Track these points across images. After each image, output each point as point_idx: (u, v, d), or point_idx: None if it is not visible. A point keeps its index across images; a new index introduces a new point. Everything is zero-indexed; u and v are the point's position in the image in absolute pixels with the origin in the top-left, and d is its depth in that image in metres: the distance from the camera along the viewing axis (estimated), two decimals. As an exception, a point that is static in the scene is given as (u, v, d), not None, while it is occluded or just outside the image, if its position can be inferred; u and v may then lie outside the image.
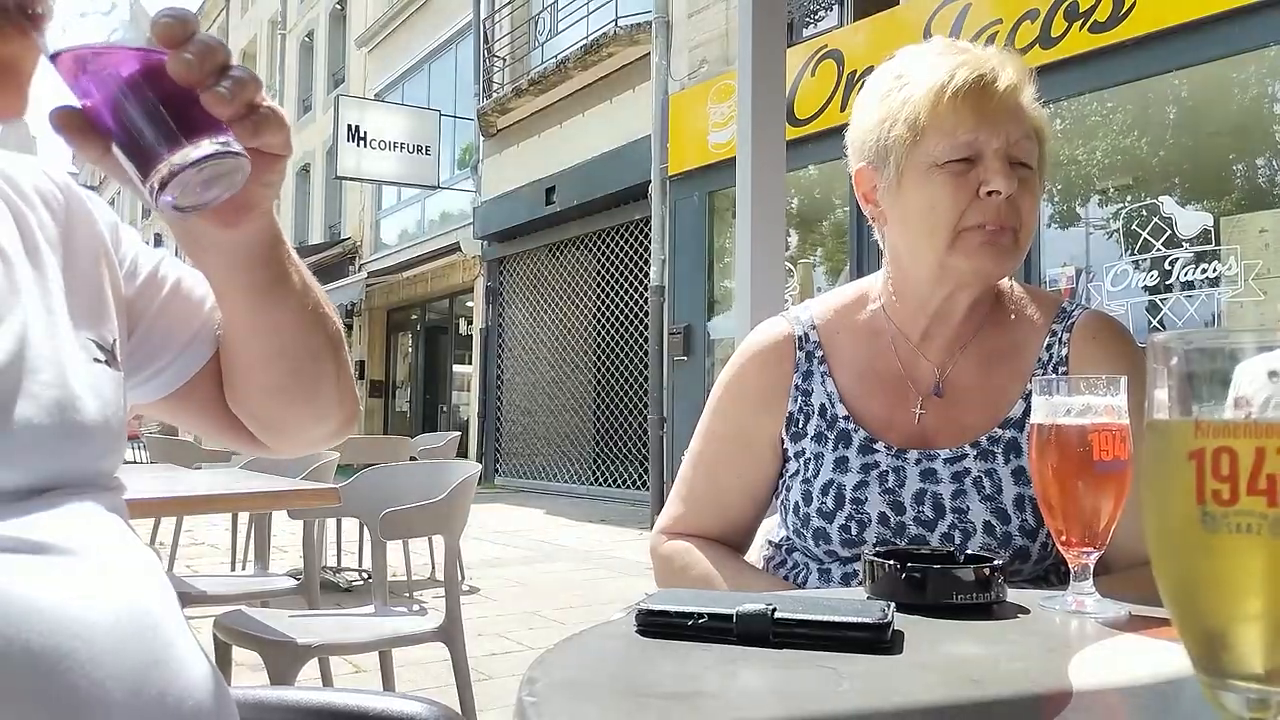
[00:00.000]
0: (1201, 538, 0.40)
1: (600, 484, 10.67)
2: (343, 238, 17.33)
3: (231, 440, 0.94)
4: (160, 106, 0.59)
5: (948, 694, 0.58)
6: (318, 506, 2.48)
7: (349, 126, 12.94)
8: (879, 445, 1.12)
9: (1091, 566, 0.78)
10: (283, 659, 2.06)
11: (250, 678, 2.95)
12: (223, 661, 2.25)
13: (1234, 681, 0.41)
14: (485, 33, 12.38)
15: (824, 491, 1.12)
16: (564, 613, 4.79)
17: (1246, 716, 0.41)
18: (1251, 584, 0.39)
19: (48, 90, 0.67)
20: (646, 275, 9.62)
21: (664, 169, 9.12)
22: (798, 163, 6.94)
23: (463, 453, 9.79)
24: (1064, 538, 0.79)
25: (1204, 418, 0.41)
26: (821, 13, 8.05)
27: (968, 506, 1.07)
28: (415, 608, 4.51)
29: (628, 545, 7.21)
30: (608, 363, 10.65)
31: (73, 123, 0.62)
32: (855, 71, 7.03)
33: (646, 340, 9.61)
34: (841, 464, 1.12)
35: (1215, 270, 5.32)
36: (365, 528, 4.69)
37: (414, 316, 17.02)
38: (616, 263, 10.51)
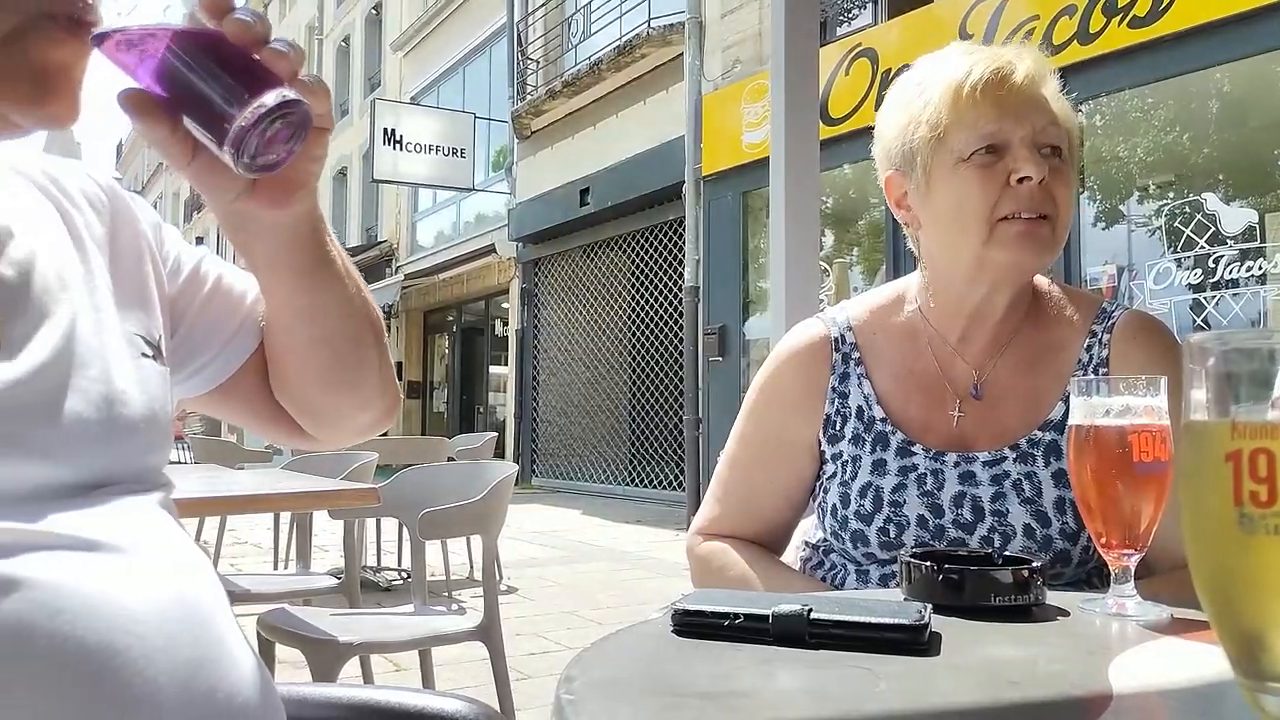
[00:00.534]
0: (1239, 539, 0.40)
1: (636, 484, 10.69)
2: (379, 240, 17.50)
3: (277, 432, 0.96)
4: (223, 71, 0.62)
5: (985, 696, 0.58)
6: (358, 506, 2.52)
7: (385, 130, 13.06)
8: (917, 448, 1.12)
9: (1132, 569, 0.78)
10: (325, 657, 2.10)
11: (293, 675, 2.99)
12: (266, 659, 2.29)
13: (1273, 684, 0.41)
14: (519, 35, 12.45)
15: (862, 494, 1.12)
16: (601, 613, 4.81)
17: (1287, 719, 0.40)
18: (1291, 586, 0.39)
19: (92, 93, 0.69)
20: (681, 276, 9.62)
21: (698, 169, 9.12)
22: (832, 162, 6.91)
23: (500, 453, 9.85)
24: (1104, 540, 0.79)
25: (1241, 419, 0.41)
26: (855, 11, 8.00)
27: (1007, 509, 1.07)
28: (454, 607, 4.55)
29: (664, 546, 7.21)
30: (643, 363, 10.66)
31: (140, 103, 0.64)
32: (889, 70, 6.98)
33: (681, 341, 9.61)
34: (879, 466, 1.12)
35: (1261, 268, 5.22)
36: (404, 528, 4.74)
37: (450, 318, 17.15)
38: (651, 263, 10.52)
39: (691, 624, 0.67)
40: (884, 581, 1.10)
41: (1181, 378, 0.44)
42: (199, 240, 23.53)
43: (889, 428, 1.14)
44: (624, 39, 10.08)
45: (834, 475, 1.16)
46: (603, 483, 11.23)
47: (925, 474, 1.10)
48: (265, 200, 0.72)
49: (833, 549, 1.17)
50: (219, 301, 0.89)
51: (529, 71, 12.18)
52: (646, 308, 10.59)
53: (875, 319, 1.22)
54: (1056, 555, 1.05)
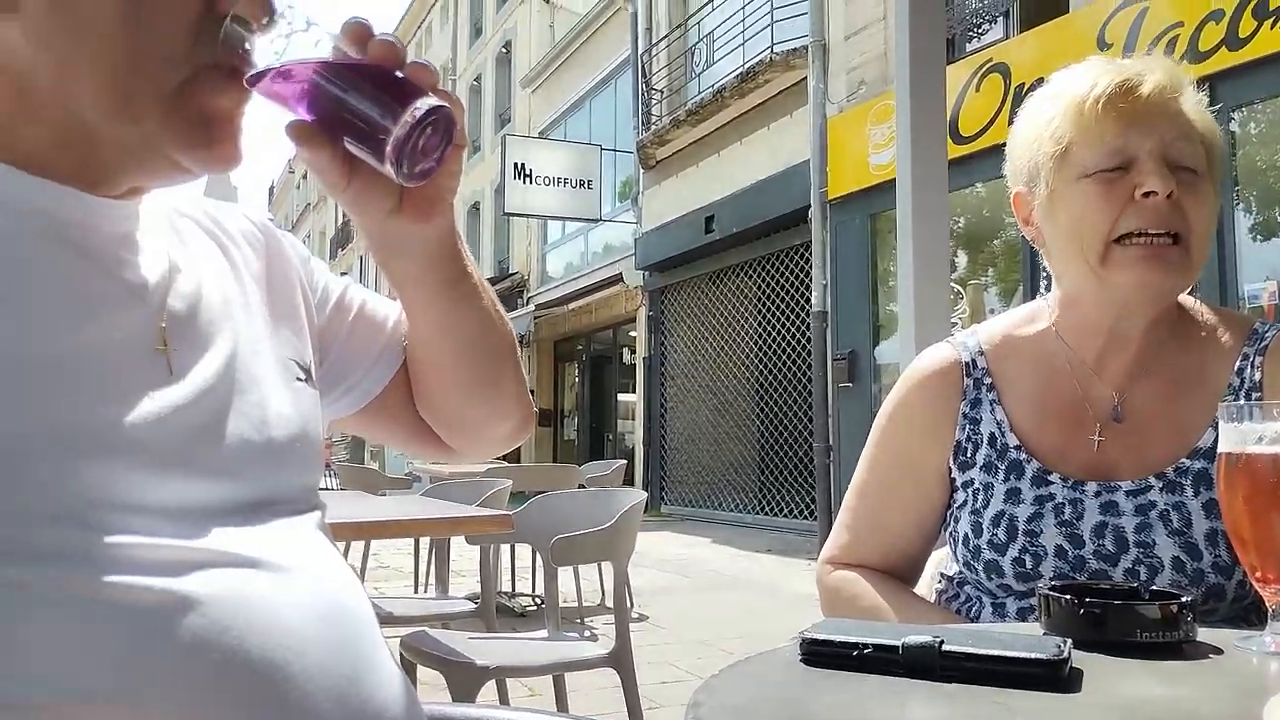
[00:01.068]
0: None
1: (766, 513, 10.58)
2: (511, 272, 17.98)
3: (422, 447, 1.02)
4: (374, 90, 0.68)
5: (1128, 734, 0.56)
6: (492, 532, 2.59)
7: (515, 164, 13.45)
8: (1054, 476, 1.09)
9: (1292, 605, 0.74)
10: (464, 679, 2.16)
11: (433, 695, 3.08)
12: (409, 678, 2.37)
13: None
14: (643, 67, 12.64)
15: (995, 523, 1.09)
16: (732, 642, 4.77)
17: None
18: None
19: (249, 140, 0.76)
20: (808, 301, 9.52)
21: (823, 193, 9.03)
22: (964, 181, 6.74)
23: (629, 480, 9.93)
24: (1259, 574, 0.75)
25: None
26: (985, 26, 7.80)
27: (1154, 541, 1.02)
28: (586, 634, 4.60)
29: (795, 575, 7.11)
30: (771, 389, 10.57)
31: (304, 132, 0.69)
32: (1024, 85, 6.77)
33: (810, 366, 9.50)
34: (1013, 495, 1.09)
35: None
36: (537, 554, 4.83)
37: (579, 347, 17.43)
38: (777, 289, 10.45)
39: (820, 653, 0.67)
40: (1022, 615, 1.07)
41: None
42: (344, 274, 24.66)
43: (1023, 455, 1.11)
44: (747, 65, 10.10)
45: (965, 504, 1.13)
46: (732, 510, 11.16)
47: (1063, 503, 1.07)
48: (411, 215, 0.77)
49: (967, 581, 1.14)
50: (363, 326, 0.95)
51: (653, 102, 12.34)
52: (774, 333, 10.51)
53: (1008, 342, 1.19)
54: (1209, 590, 1.00)
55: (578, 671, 2.45)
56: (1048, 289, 1.19)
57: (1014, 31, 7.42)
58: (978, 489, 1.12)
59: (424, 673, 2.41)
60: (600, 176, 13.83)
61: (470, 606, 3.07)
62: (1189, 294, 1.15)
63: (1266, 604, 0.74)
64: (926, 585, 1.25)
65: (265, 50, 0.69)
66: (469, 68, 21.30)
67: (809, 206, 9.18)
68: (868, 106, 8.51)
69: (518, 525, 2.48)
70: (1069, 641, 0.65)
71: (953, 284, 7.96)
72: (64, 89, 0.66)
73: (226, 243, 0.83)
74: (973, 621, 1.11)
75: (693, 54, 11.93)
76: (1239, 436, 0.76)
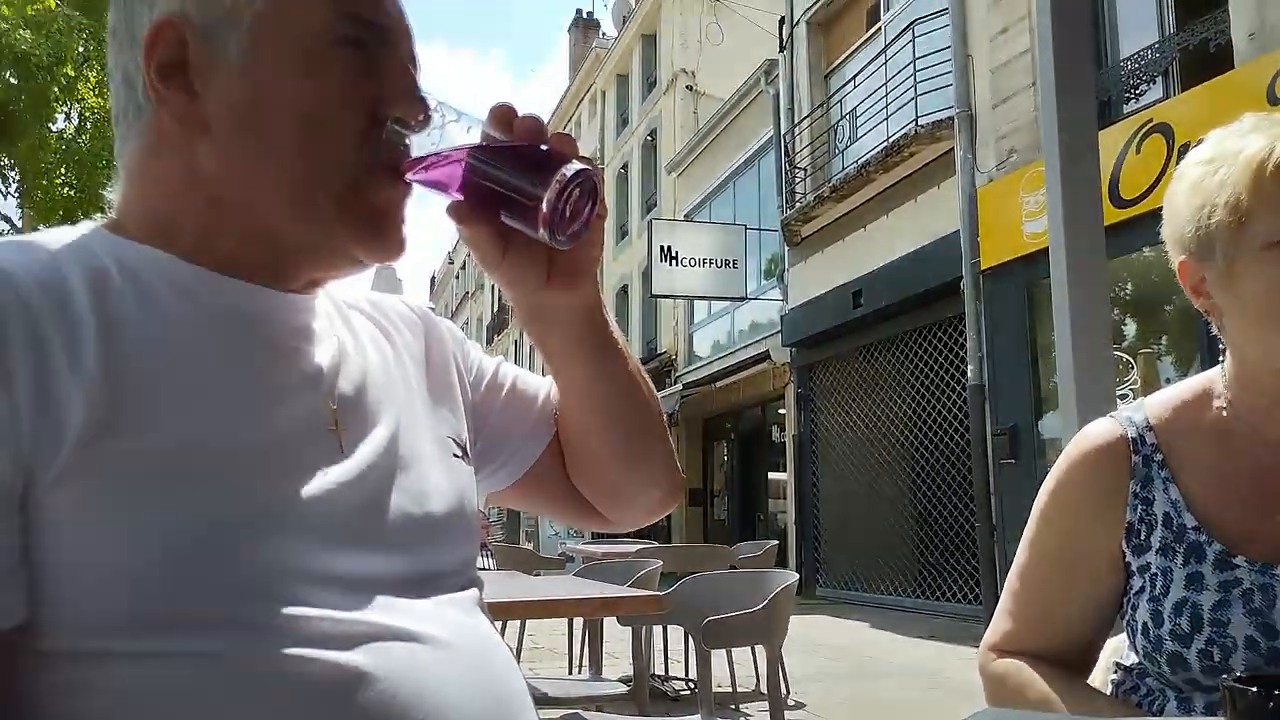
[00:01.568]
0: None
1: (927, 596, 10.12)
2: (659, 352, 18.20)
3: (575, 516, 1.04)
4: (523, 165, 0.73)
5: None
6: (644, 613, 2.58)
7: (661, 247, 13.72)
8: (1239, 559, 1.01)
9: None
10: (615, 763, 2.14)
11: (585, 780, 3.06)
12: (561, 762, 2.37)
13: None
14: (786, 147, 12.76)
15: (1176, 612, 1.01)
16: (893, 732, 4.55)
17: None
18: None
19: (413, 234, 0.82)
20: (963, 374, 9.22)
21: (975, 264, 8.80)
22: (1128, 246, 6.44)
23: (781, 561, 9.72)
24: None
25: None
26: (1144, 86, 7.52)
27: (1358, 629, 0.93)
28: None
29: (959, 663, 6.75)
30: (927, 467, 10.21)
31: (463, 211, 0.75)
32: (1188, 144, 6.42)
33: (968, 443, 9.14)
34: (1195, 580, 1.01)
35: None
36: (689, 635, 4.77)
37: (728, 425, 17.36)
38: (930, 363, 10.17)
39: (982, 746, 0.64)
40: (1210, 710, 0.98)
41: None
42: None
43: (1203, 537, 1.03)
44: (891, 139, 10.05)
45: (1142, 590, 1.06)
46: (890, 593, 10.74)
47: (1252, 589, 0.98)
48: (559, 286, 0.82)
49: (1148, 673, 1.06)
50: (516, 401, 0.99)
51: (797, 180, 12.40)
52: (928, 408, 10.19)
53: (1178, 416, 1.12)
54: None
55: (732, 759, 2.39)
56: (1223, 359, 1.12)
57: (1175, 90, 7.13)
58: (1155, 574, 1.05)
59: (578, 756, 2.40)
60: (745, 255, 13.93)
61: (623, 689, 3.05)
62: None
63: None
64: (1101, 676, 1.17)
65: (423, 143, 0.75)
66: (615, 157, 22.02)
67: (960, 278, 8.95)
68: (1019, 174, 8.29)
69: (669, 606, 2.47)
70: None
71: (1122, 354, 7.56)
72: (251, 199, 0.74)
73: (389, 329, 0.90)
74: (1156, 715, 1.03)
75: (835, 131, 11.97)
76: None
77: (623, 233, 21.28)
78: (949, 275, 9.13)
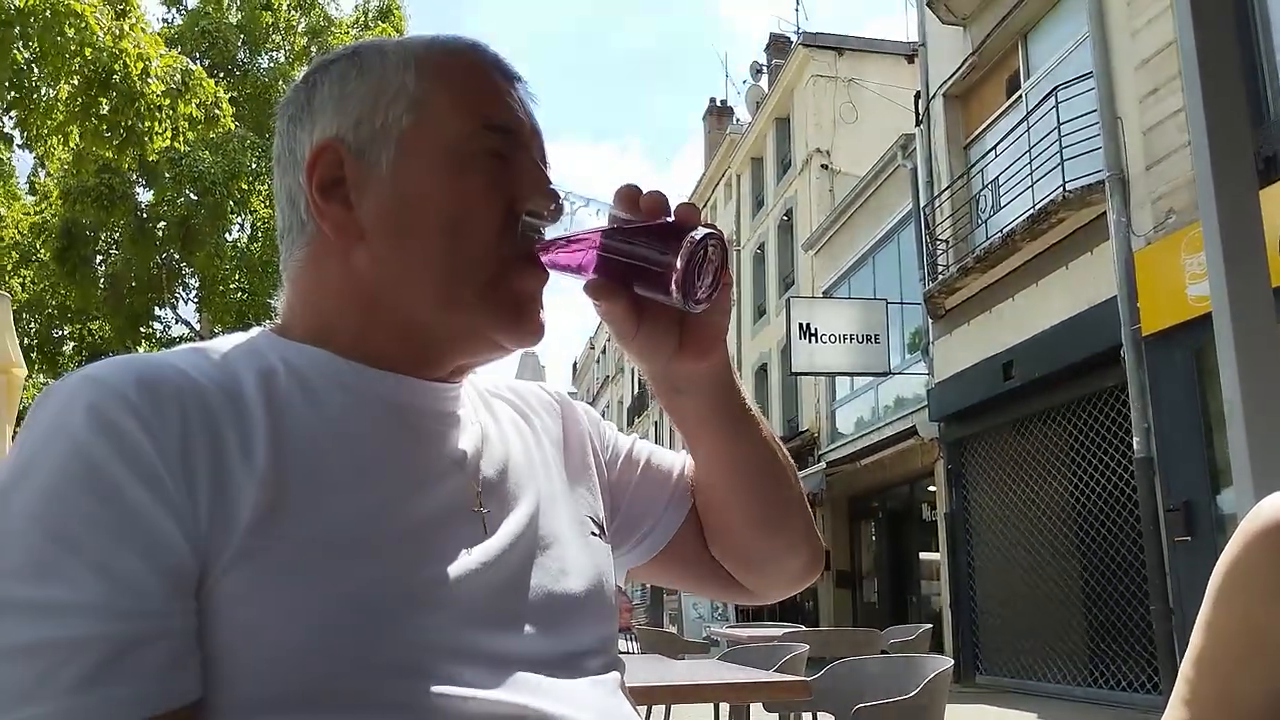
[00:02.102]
0: None
1: (1099, 685, 9.42)
2: (801, 430, 17.95)
3: (716, 589, 1.04)
4: (653, 238, 0.77)
5: None
6: (790, 699, 2.51)
7: (800, 325, 13.64)
8: None
9: None
10: None
11: None
12: None
13: None
14: (926, 219, 12.57)
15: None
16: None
17: None
18: None
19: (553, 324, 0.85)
20: (1128, 447, 8.70)
21: (1135, 330, 8.37)
22: (1305, 306, 6.00)
23: (937, 646, 9.27)
24: None
25: None
26: (1312, 137, 7.10)
27: None
28: (897, 816, 4.25)
29: (1140, 760, 6.22)
30: (1094, 545, 9.60)
31: (599, 288, 0.79)
32: (1368, 194, 6.02)
33: (1138, 519, 8.57)
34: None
35: None
36: (839, 724, 4.58)
37: (875, 504, 16.86)
38: (1091, 435, 9.64)
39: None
40: None
41: None
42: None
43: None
44: (1037, 207, 9.76)
45: (1336, 679, 0.96)
46: (1058, 682, 10.05)
47: None
48: (691, 355, 0.85)
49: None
50: (652, 476, 1.01)
51: (939, 252, 12.17)
52: (1091, 483, 9.63)
53: (1367, 488, 1.03)
54: None
55: None
56: None
57: (1348, 139, 6.69)
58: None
59: None
60: (887, 330, 13.69)
61: (771, 779, 2.95)
62: None
63: None
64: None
65: (555, 232, 0.80)
66: (752, 238, 22.19)
67: (1120, 346, 8.52)
68: (1180, 235, 7.89)
69: (816, 692, 2.40)
70: None
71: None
72: (402, 296, 0.80)
73: (528, 413, 0.94)
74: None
75: (977, 201, 11.73)
76: None
77: (760, 312, 21.29)
78: (1106, 343, 8.70)
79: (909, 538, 15.48)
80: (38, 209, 17.11)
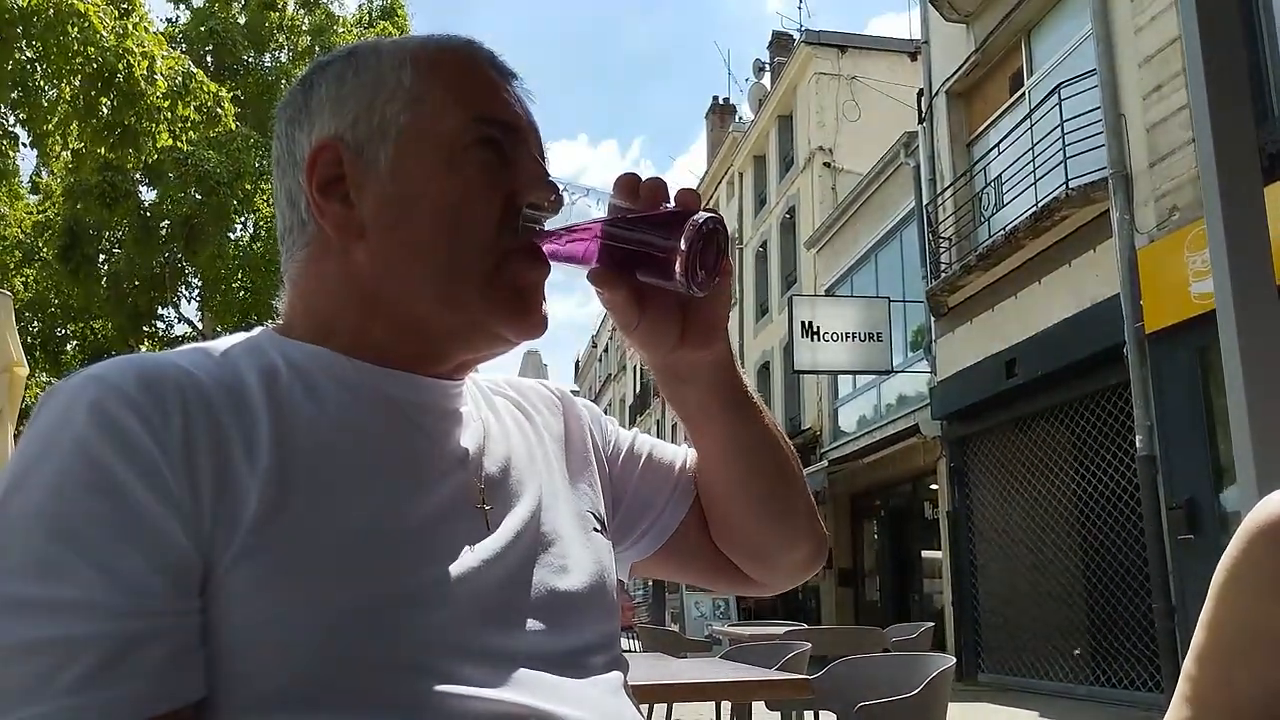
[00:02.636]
0: None
1: (1101, 684, 9.41)
2: (803, 429, 17.95)
3: (720, 580, 1.04)
4: (654, 225, 0.77)
5: None
6: (792, 698, 2.51)
7: (802, 323, 13.63)
8: None
9: None
10: None
11: None
12: None
13: None
14: (928, 217, 12.56)
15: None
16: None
17: None
18: None
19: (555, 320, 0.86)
20: (1130, 445, 8.69)
21: (1139, 328, 8.36)
22: (1309, 303, 5.99)
23: (939, 644, 9.27)
24: None
25: None
26: (1315, 135, 7.08)
27: None
28: (899, 814, 4.25)
29: (1143, 758, 6.22)
30: (1096, 543, 9.58)
31: (602, 276, 0.79)
32: (1372, 191, 6.00)
33: (1140, 517, 8.56)
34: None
35: None
36: (842, 723, 4.59)
37: (877, 502, 16.85)
38: (1093, 433, 9.63)
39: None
40: None
41: None
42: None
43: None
44: (1040, 204, 9.74)
45: (1341, 678, 0.96)
46: (1060, 680, 10.04)
47: None
48: (693, 344, 0.85)
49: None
50: (654, 469, 1.01)
51: (941, 250, 12.15)
52: (1093, 481, 9.62)
53: (1371, 485, 1.03)
54: None
55: None
56: None
57: (1352, 137, 6.68)
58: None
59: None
60: (890, 328, 13.68)
61: (774, 777, 2.96)
62: None
63: None
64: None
65: (556, 224, 0.81)
66: (754, 236, 22.18)
67: (1123, 343, 8.51)
68: (1183, 233, 7.88)
69: (818, 691, 2.40)
70: None
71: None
72: (402, 291, 0.80)
73: (529, 409, 0.94)
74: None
75: (980, 199, 11.71)
76: None
77: (762, 310, 21.28)
78: (1109, 341, 8.69)
79: (911, 536, 15.47)
80: (41, 208, 17.15)
